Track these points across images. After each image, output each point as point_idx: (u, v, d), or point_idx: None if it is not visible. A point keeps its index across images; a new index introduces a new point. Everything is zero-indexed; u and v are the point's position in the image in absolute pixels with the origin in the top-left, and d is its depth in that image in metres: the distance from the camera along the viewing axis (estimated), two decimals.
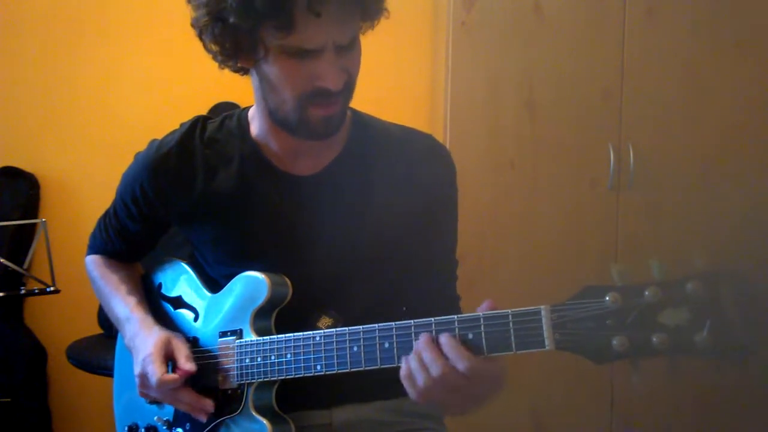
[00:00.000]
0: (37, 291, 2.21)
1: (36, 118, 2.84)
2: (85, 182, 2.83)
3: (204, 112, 1.44)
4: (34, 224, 2.64)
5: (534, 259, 2.51)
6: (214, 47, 1.18)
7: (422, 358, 1.00)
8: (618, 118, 2.51)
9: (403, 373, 1.03)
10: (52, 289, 2.18)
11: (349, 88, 1.18)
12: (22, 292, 2.27)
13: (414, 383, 1.01)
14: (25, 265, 2.23)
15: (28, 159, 2.81)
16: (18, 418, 2.63)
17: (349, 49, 1.15)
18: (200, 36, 1.18)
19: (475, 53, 2.49)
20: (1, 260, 2.19)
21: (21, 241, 2.63)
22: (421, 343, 1.01)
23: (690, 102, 2.51)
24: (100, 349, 2.44)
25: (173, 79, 2.84)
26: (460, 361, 0.97)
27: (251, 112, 1.32)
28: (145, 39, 2.85)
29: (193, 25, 1.17)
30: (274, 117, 1.22)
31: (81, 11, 2.83)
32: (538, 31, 2.49)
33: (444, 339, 0.99)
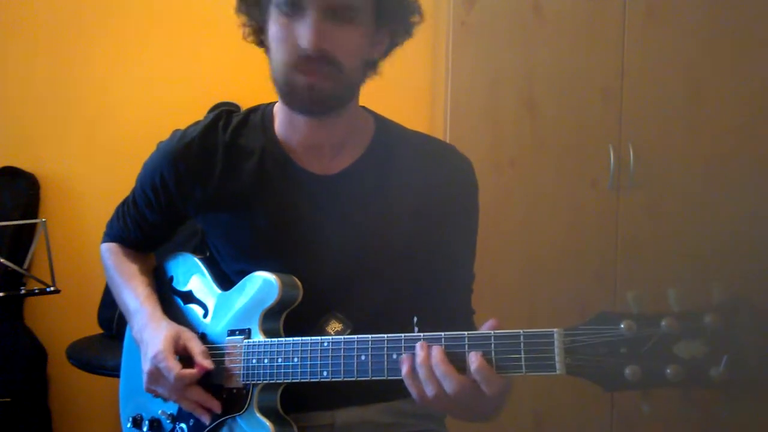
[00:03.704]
0: (37, 291, 2.21)
1: (36, 118, 2.83)
2: (85, 182, 2.83)
3: (204, 112, 1.44)
4: (34, 224, 2.64)
5: (534, 259, 2.51)
6: (241, 17, 1.24)
7: (434, 371, 0.99)
8: (618, 118, 2.51)
9: (405, 371, 1.02)
10: (52, 289, 2.18)
11: (332, 63, 1.16)
12: (22, 292, 2.27)
13: (419, 389, 1.01)
14: (25, 265, 2.22)
15: (28, 159, 2.81)
16: (18, 418, 2.63)
17: (341, 20, 1.15)
18: (237, 10, 1.25)
19: (475, 53, 2.50)
20: (1, 260, 2.19)
21: (21, 241, 2.63)
22: (436, 356, 0.99)
23: (690, 102, 2.51)
24: (100, 349, 2.45)
25: (173, 80, 2.84)
26: (488, 385, 0.97)
27: (277, 107, 1.32)
28: (145, 39, 2.85)
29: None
30: (275, 86, 1.22)
31: (81, 12, 2.83)
32: (538, 31, 2.49)
33: (475, 360, 0.97)
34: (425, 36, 2.86)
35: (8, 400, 2.58)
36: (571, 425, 2.54)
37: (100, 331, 2.64)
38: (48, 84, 2.83)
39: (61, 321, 2.79)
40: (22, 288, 2.29)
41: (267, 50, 1.23)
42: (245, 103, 1.38)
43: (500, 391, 0.97)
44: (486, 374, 0.97)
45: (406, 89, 2.88)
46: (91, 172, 2.82)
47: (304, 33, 1.13)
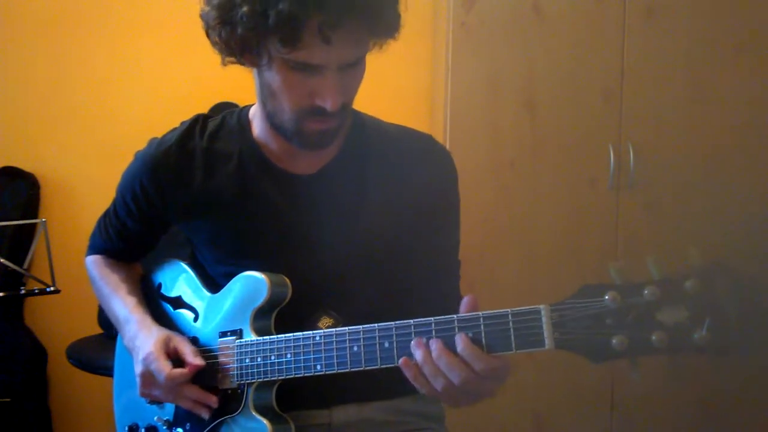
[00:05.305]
0: (37, 291, 2.21)
1: (36, 118, 2.84)
2: (85, 182, 2.83)
3: (204, 111, 1.44)
4: (34, 224, 2.64)
5: (534, 259, 2.51)
6: (219, 44, 1.18)
7: (438, 366, 1.00)
8: (618, 118, 2.51)
9: (411, 375, 1.03)
10: (52, 289, 2.18)
11: (345, 108, 1.18)
12: (22, 292, 2.27)
13: (428, 386, 1.02)
14: (25, 265, 2.23)
15: (28, 159, 2.81)
16: (18, 418, 2.63)
17: (353, 67, 1.15)
18: (207, 31, 1.18)
19: (475, 53, 2.50)
20: (1, 260, 2.19)
21: (21, 241, 2.63)
22: (436, 350, 1.00)
23: (690, 102, 2.51)
24: (100, 349, 2.45)
25: (173, 79, 2.84)
26: (477, 362, 0.98)
27: (252, 111, 1.32)
28: (145, 39, 2.85)
29: (201, 18, 1.17)
30: (270, 121, 1.22)
31: (81, 11, 2.83)
32: (538, 31, 2.49)
33: (460, 342, 0.99)
34: (425, 36, 2.87)
35: (8, 400, 2.59)
36: (571, 425, 2.54)
37: (100, 331, 2.65)
38: (48, 84, 2.83)
39: (61, 321, 2.79)
40: (22, 288, 2.29)
41: (258, 83, 1.21)
42: (245, 103, 1.38)
43: (491, 367, 0.98)
44: (473, 354, 0.98)
45: (406, 89, 2.88)
46: (91, 172, 2.82)
47: (324, 93, 1.12)
